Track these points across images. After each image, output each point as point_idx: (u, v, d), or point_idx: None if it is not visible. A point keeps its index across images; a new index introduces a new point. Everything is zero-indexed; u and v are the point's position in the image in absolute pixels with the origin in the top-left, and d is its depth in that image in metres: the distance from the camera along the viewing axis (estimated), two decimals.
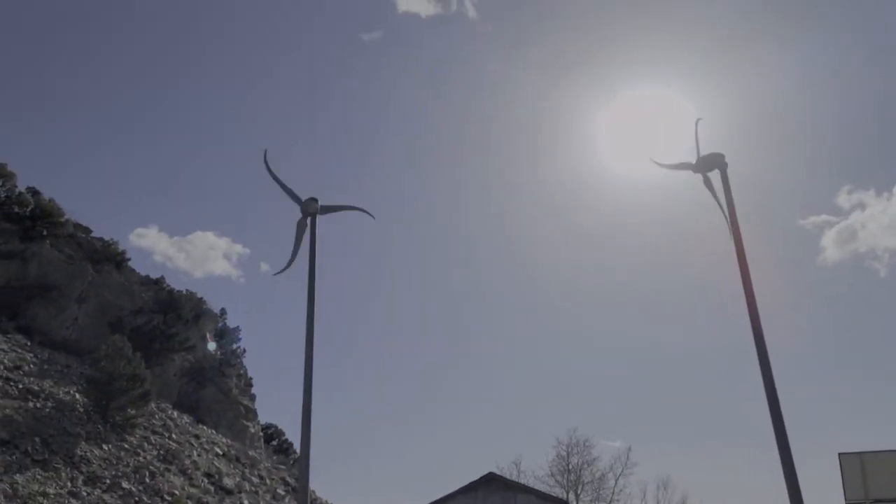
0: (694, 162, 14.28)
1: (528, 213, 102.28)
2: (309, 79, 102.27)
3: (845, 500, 13.18)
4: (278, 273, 15.05)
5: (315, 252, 15.13)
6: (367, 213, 15.31)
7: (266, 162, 15.93)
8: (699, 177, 14.26)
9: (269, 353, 78.93)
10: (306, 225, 14.65)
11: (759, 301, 13.56)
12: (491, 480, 14.76)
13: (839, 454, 13.09)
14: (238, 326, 46.25)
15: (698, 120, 14.40)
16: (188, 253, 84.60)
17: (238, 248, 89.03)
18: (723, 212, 14.25)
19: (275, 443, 43.56)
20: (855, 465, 13.02)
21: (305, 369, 14.60)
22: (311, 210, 15.25)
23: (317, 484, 38.00)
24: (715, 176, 14.37)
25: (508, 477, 29.01)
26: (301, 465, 13.99)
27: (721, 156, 14.16)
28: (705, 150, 14.32)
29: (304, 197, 15.47)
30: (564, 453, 29.35)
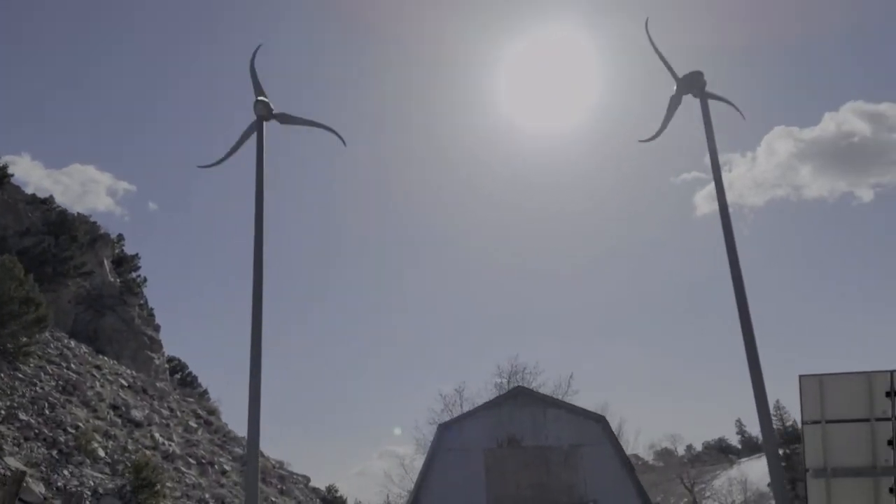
0: (674, 90, 13.65)
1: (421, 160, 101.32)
2: (192, 11, 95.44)
3: (802, 419, 13.44)
4: (204, 166, 13.51)
5: (263, 161, 13.61)
6: (338, 135, 13.80)
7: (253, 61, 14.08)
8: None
9: (163, 288, 75.13)
10: (256, 128, 13.09)
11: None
12: (518, 395, 14.07)
13: (800, 376, 13.24)
14: (137, 254, 43.27)
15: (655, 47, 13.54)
16: (66, 186, 77.97)
17: (123, 184, 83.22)
18: (661, 130, 13.91)
19: (178, 376, 41.50)
20: (814, 387, 13.21)
21: (254, 303, 13.10)
22: (259, 112, 13.64)
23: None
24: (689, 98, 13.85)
25: (460, 404, 28.88)
26: (250, 427, 12.73)
27: (700, 73, 13.61)
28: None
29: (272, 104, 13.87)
30: (505, 381, 29.47)
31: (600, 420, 14.07)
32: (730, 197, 13.09)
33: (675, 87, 13.82)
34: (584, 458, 13.40)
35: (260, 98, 13.92)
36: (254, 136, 13.77)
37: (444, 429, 13.73)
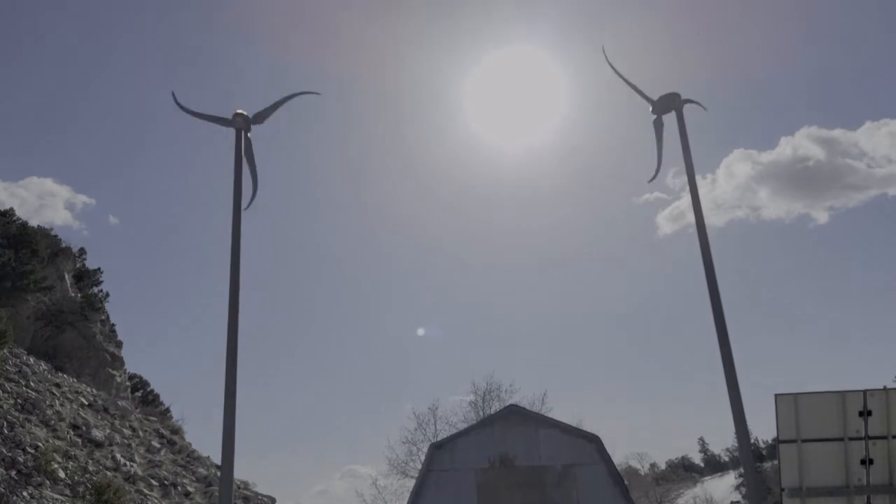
0: (652, 103, 13.81)
1: (395, 180, 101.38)
2: (162, 26, 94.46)
3: (777, 438, 13.57)
4: (248, 207, 13.29)
5: (241, 175, 13.46)
6: (309, 92, 13.72)
7: (177, 101, 13.92)
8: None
9: (124, 304, 73.52)
10: (249, 142, 12.97)
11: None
12: (511, 414, 13.87)
13: (775, 395, 13.39)
14: (99, 268, 42.23)
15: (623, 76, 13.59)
16: (23, 199, 75.75)
17: (82, 197, 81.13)
18: (659, 159, 14.03)
19: (140, 393, 40.44)
20: (789, 406, 13.37)
21: (230, 311, 12.89)
22: (238, 125, 13.52)
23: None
24: (670, 118, 14.03)
25: (433, 423, 28.61)
26: (225, 443, 12.42)
27: (677, 95, 13.81)
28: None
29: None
30: (479, 399, 29.33)
31: (594, 440, 14.00)
32: (692, 218, 13.20)
33: (650, 109, 13.97)
34: (578, 479, 13.30)
35: (238, 112, 13.84)
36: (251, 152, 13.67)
37: (436, 448, 13.53)
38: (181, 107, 13.60)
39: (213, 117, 13.26)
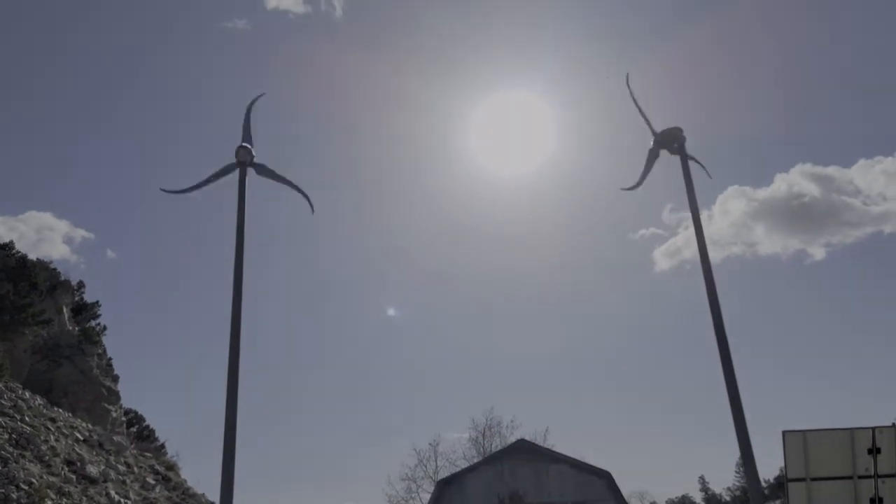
0: (651, 144, 13.91)
1: (411, 216, 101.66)
2: (163, 61, 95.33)
3: (786, 477, 13.40)
4: (168, 191, 13.59)
5: (244, 209, 13.40)
6: (309, 201, 13.63)
7: (164, 189, 14.22)
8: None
9: (120, 338, 72.84)
10: (234, 170, 12.91)
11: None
12: (520, 449, 13.63)
13: (783, 432, 13.29)
14: (98, 301, 42.01)
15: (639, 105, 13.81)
16: (21, 233, 75.62)
17: (81, 232, 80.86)
18: (641, 180, 14.19)
19: (135, 429, 39.86)
20: (798, 443, 13.22)
21: (231, 347, 12.79)
22: (240, 158, 13.48)
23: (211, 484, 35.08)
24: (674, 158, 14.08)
25: (434, 460, 28.24)
26: (224, 470, 12.30)
27: (679, 130, 13.85)
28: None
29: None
30: (479, 435, 29.06)
31: (604, 475, 13.69)
32: (689, 254, 13.31)
33: (651, 142, 14.08)
34: None
35: (243, 144, 13.77)
36: (228, 178, 13.67)
37: (444, 485, 13.26)
38: (170, 192, 13.74)
39: (214, 174, 13.23)
